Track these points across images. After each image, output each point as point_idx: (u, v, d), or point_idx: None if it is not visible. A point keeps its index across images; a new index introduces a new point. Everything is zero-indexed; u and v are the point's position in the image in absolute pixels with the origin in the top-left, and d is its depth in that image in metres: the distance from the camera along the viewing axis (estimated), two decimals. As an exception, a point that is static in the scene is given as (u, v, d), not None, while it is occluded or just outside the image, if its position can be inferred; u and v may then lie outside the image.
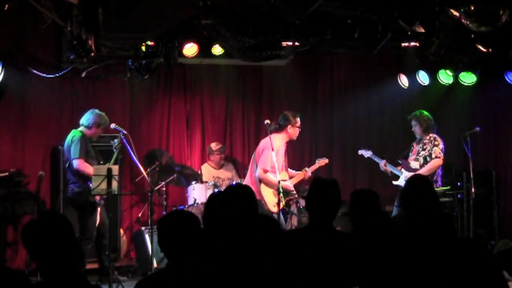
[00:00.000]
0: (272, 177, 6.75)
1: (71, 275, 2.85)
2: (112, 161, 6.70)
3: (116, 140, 6.81)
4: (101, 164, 6.75)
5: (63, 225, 2.87)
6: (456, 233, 4.60)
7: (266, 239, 3.18)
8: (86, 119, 6.92)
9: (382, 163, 7.51)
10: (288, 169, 7.26)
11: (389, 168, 7.45)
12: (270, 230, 3.22)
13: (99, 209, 6.82)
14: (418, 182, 4.19)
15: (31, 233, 2.86)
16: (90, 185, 6.47)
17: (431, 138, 7.31)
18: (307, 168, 7.35)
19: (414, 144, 7.50)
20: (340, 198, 3.76)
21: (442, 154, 7.21)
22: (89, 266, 6.95)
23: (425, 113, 7.46)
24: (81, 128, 6.90)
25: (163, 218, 3.21)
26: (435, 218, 3.36)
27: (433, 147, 7.24)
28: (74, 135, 6.81)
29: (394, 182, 7.40)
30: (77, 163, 6.67)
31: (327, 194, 3.72)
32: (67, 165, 6.86)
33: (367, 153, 7.81)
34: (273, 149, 6.66)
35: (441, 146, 7.26)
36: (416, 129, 7.44)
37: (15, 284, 2.96)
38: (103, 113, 7.00)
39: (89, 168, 6.60)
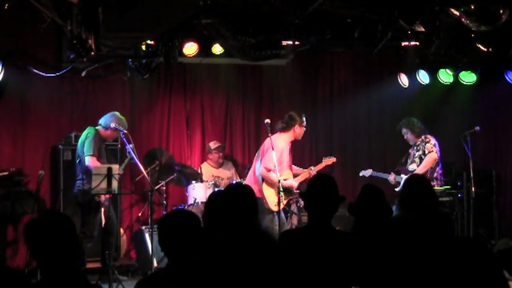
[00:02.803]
0: (274, 176, 6.75)
1: (71, 274, 2.85)
2: (122, 166, 6.78)
3: (130, 145, 6.65)
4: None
5: (65, 224, 2.87)
6: (454, 231, 4.59)
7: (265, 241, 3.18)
8: (105, 120, 6.93)
9: (391, 177, 7.52)
10: (293, 166, 7.27)
11: (396, 178, 7.47)
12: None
13: (102, 209, 6.81)
14: (414, 181, 4.21)
15: (33, 231, 2.86)
16: None
17: (422, 138, 7.45)
18: (312, 167, 7.36)
19: (410, 151, 7.62)
20: (338, 195, 3.74)
21: (434, 148, 7.31)
22: (91, 265, 6.96)
23: (414, 119, 7.58)
24: (98, 127, 6.91)
25: (164, 218, 3.22)
26: (433, 217, 3.35)
27: (425, 144, 7.37)
28: (89, 132, 6.82)
29: (397, 189, 7.41)
30: (88, 160, 6.65)
31: (324, 191, 3.71)
32: (78, 161, 6.87)
33: (367, 173, 7.88)
34: (273, 149, 6.68)
35: (432, 141, 7.37)
36: (409, 136, 7.56)
37: (15, 283, 2.96)
38: (123, 118, 7.00)
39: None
